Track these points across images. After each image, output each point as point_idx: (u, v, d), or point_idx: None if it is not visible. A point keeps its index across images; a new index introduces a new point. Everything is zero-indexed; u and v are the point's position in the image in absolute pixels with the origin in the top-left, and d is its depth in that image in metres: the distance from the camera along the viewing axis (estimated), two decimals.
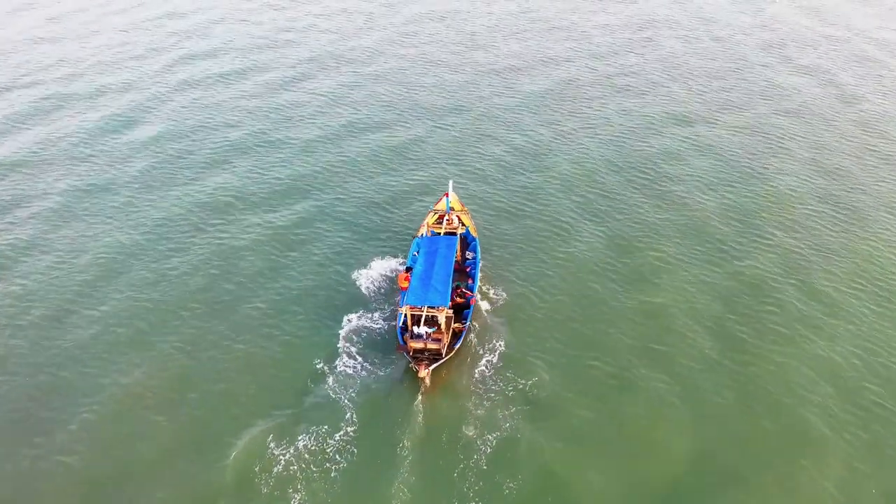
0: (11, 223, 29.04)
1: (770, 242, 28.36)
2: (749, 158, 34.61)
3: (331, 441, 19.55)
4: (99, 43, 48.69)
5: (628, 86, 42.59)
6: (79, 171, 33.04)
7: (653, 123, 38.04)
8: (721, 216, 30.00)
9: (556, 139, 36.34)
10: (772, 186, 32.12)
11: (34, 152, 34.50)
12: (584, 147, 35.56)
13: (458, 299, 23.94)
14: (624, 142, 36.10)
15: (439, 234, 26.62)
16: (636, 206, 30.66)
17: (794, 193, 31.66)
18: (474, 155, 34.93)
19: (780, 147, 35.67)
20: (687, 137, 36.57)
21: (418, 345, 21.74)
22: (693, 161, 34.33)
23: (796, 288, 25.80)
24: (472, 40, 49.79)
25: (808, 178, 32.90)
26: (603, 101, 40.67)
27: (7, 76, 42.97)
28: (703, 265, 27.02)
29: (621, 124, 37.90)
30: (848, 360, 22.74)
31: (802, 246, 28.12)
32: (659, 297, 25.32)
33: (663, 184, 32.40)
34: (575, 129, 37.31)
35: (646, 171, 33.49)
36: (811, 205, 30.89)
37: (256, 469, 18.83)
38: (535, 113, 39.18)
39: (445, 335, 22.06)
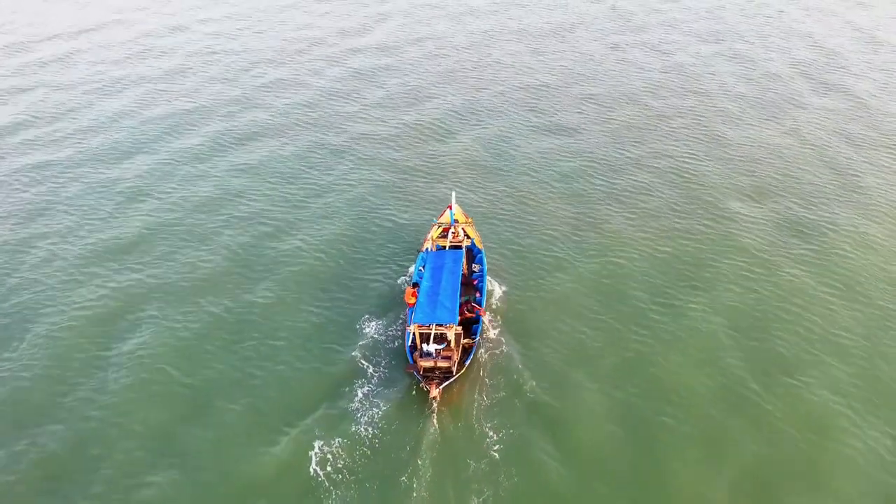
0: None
1: None
2: None
3: (341, 464, 19.26)
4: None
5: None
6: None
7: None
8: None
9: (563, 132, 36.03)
10: None
11: None
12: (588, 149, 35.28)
13: (467, 313, 23.65)
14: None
15: (444, 247, 26.20)
16: (657, 214, 30.46)
17: None
18: (481, 159, 34.70)
19: None
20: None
21: (428, 363, 21.41)
22: None
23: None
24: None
25: None
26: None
27: None
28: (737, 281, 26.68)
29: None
30: None
31: None
32: (686, 314, 24.62)
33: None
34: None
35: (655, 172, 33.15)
36: None
37: (265, 490, 18.65)
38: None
39: (455, 352, 21.70)
